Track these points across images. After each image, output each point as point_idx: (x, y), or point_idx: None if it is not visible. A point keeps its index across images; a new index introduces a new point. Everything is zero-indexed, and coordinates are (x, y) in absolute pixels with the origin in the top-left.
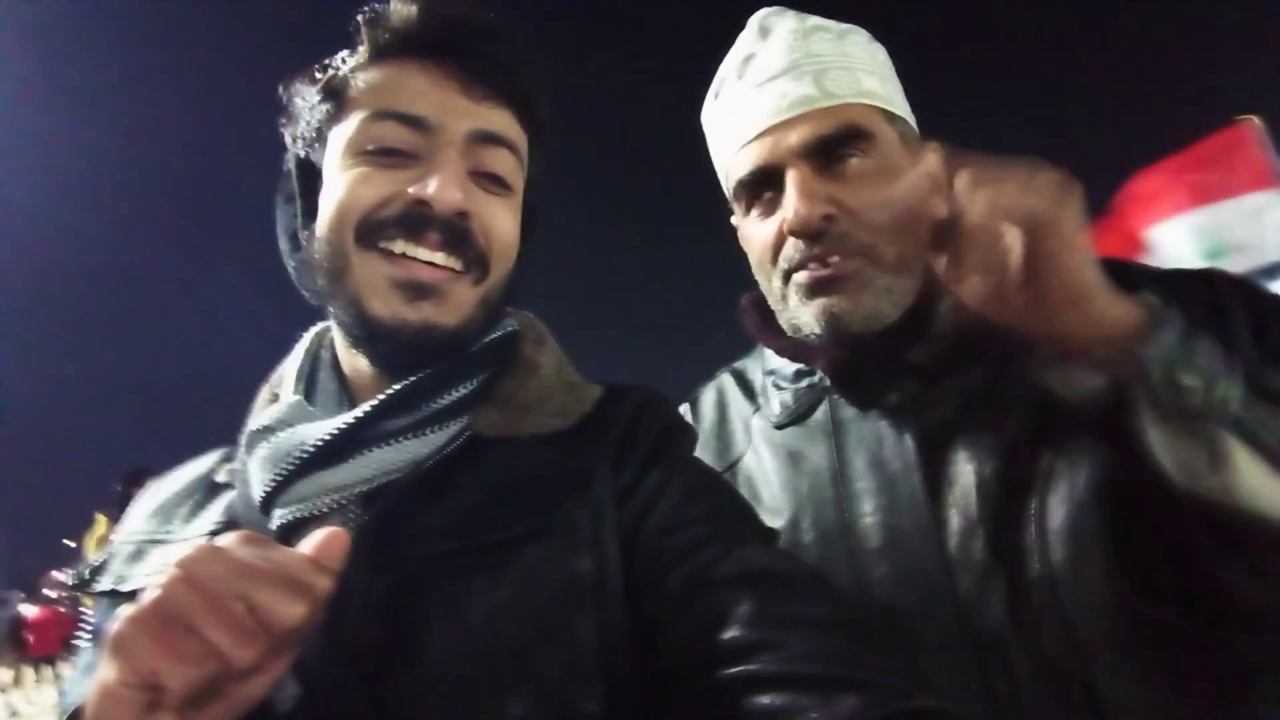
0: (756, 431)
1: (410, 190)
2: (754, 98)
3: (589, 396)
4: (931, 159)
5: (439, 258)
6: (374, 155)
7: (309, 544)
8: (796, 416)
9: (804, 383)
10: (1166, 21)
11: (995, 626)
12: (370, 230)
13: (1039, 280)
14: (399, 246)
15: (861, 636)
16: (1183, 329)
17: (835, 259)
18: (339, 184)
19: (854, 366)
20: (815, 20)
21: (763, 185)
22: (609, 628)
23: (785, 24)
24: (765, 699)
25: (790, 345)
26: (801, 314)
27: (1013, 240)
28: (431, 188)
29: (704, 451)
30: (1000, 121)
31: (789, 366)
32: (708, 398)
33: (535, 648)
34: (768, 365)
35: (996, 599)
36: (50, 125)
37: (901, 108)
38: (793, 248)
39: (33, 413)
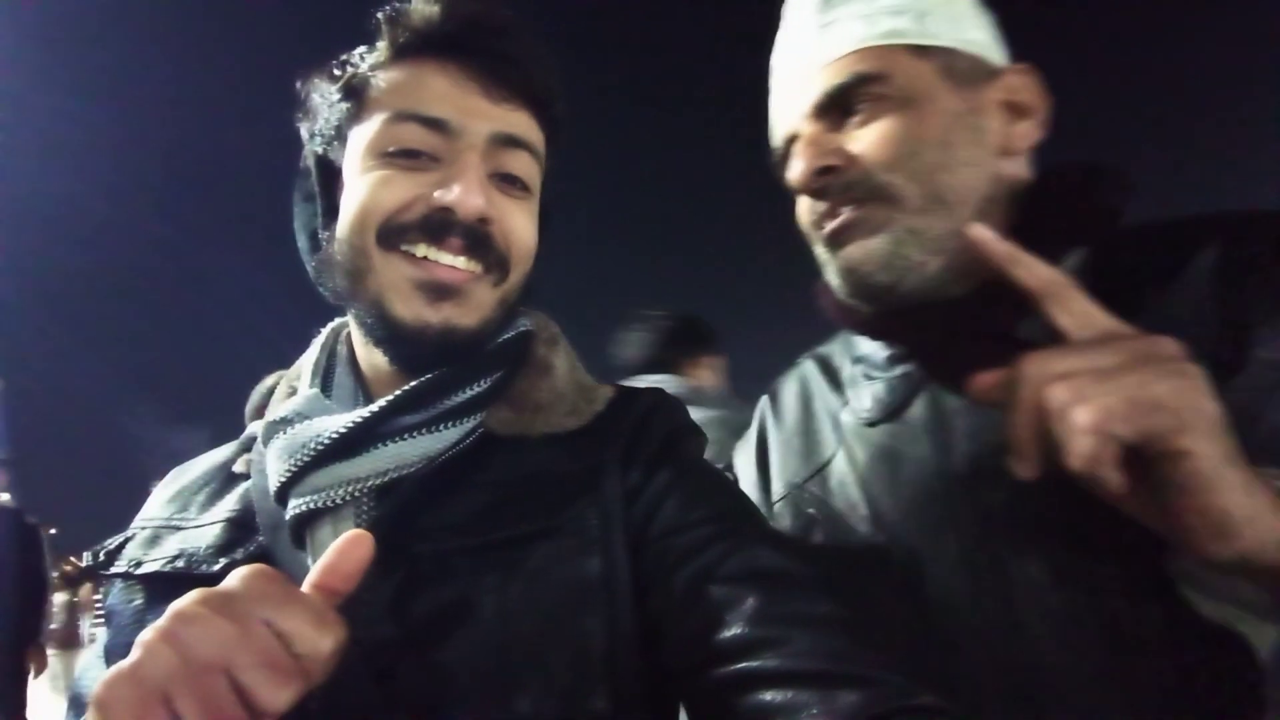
0: (847, 429)
1: (435, 195)
2: (777, 82)
3: (601, 397)
4: (1012, 82)
5: (460, 262)
6: (395, 157)
7: (332, 554)
8: (891, 411)
9: (898, 370)
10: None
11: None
12: (392, 233)
13: (1168, 505)
14: (421, 250)
15: (864, 634)
16: None
17: (846, 209)
18: (360, 186)
19: (941, 340)
20: None
21: (789, 156)
22: (617, 627)
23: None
24: (767, 695)
25: (866, 321)
26: (831, 274)
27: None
28: (454, 193)
29: (788, 453)
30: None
31: (880, 352)
32: (789, 390)
33: (545, 646)
34: (856, 351)
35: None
36: (61, 111)
37: (949, 39)
38: (809, 209)
39: (38, 402)
